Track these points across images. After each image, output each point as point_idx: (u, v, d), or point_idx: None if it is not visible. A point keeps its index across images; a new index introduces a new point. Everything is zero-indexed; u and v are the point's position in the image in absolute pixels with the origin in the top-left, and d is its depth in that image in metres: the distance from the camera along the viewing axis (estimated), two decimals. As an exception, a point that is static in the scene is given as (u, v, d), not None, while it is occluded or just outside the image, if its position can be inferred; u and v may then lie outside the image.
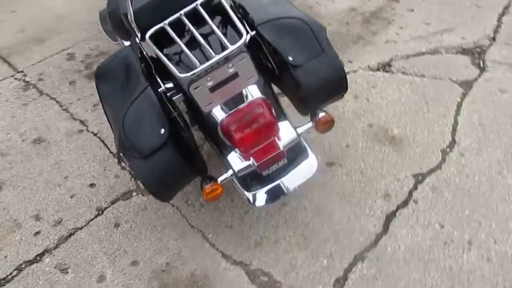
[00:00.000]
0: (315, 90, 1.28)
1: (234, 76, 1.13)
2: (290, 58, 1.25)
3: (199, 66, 1.06)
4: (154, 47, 1.13)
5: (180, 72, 1.06)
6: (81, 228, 1.62)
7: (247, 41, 1.11)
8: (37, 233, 1.61)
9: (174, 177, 1.23)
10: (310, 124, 1.28)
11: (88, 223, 1.63)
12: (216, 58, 1.06)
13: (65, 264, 1.51)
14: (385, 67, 2.24)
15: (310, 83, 1.27)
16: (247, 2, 1.38)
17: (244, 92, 1.22)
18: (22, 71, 2.36)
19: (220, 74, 1.10)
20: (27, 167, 1.84)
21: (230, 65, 1.10)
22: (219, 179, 1.23)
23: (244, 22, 1.29)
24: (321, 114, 1.27)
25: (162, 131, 1.17)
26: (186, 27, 1.15)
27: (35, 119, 2.06)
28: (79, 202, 1.70)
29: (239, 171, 1.22)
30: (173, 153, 1.19)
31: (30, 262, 1.53)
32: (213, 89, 1.12)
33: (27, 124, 2.04)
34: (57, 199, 1.71)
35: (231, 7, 1.26)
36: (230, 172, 1.24)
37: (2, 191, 1.76)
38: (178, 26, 1.17)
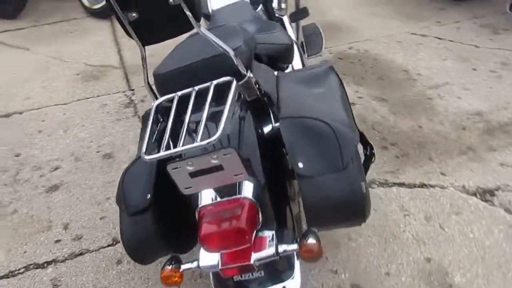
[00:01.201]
0: (318, 209, 1.07)
1: (218, 168, 1.01)
2: (300, 165, 1.07)
3: (160, 152, 0.98)
4: (151, 116, 1.10)
5: (145, 152, 1.00)
6: (91, 251, 1.67)
7: (214, 140, 0.97)
8: (58, 241, 1.72)
9: (147, 243, 1.17)
10: (295, 246, 1.08)
11: (98, 249, 1.68)
12: (179, 149, 0.97)
13: (59, 282, 1.57)
14: (485, 194, 1.80)
15: (314, 200, 1.07)
16: (289, 88, 1.25)
17: (241, 185, 1.10)
18: (133, 89, 2.65)
19: (202, 163, 1.00)
20: (86, 177, 2.02)
21: (215, 156, 0.99)
22: (182, 267, 1.12)
23: (271, 111, 1.18)
24: (310, 240, 1.05)
25: (148, 196, 1.13)
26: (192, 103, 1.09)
27: (117, 136, 2.26)
28: (104, 226, 1.77)
29: (204, 266, 1.09)
30: (152, 220, 1.13)
31: (37, 266, 1.63)
32: (193, 175, 1.03)
33: (109, 138, 2.25)
34: (90, 216, 1.82)
35: (259, 92, 1.15)
36: (195, 263, 1.11)
37: (56, 191, 1.95)
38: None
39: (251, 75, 1.10)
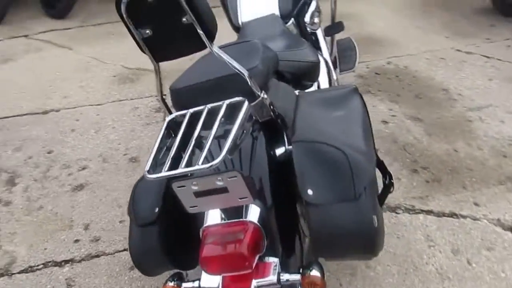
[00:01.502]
0: (325, 240, 1.02)
1: (223, 190, 0.98)
2: (309, 192, 1.02)
3: (161, 172, 0.96)
4: (161, 131, 1.08)
5: (148, 170, 0.98)
6: (107, 254, 1.69)
7: (215, 165, 0.94)
8: (77, 241, 1.76)
9: (152, 255, 1.17)
10: (297, 277, 1.03)
11: (114, 253, 1.70)
12: (180, 170, 0.94)
13: (73, 282, 1.60)
14: (523, 230, 1.67)
15: (322, 230, 1.01)
16: (306, 110, 1.20)
17: (248, 208, 1.07)
18: (165, 95, 2.67)
19: (207, 183, 0.98)
20: (111, 179, 2.06)
21: (219, 178, 0.97)
22: (184, 285, 1.10)
23: (285, 133, 1.14)
24: (313, 272, 0.99)
25: (156, 209, 1.13)
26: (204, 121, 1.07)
27: (145, 140, 2.30)
28: (122, 229, 1.79)
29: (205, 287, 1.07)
30: (158, 233, 1.12)
31: (55, 264, 1.67)
32: (198, 194, 1.00)
33: (137, 142, 2.29)
34: (110, 218, 1.85)
35: (273, 113, 1.12)
36: (196, 283, 1.09)
37: (81, 191, 2.00)
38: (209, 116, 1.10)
39: (265, 96, 1.06)
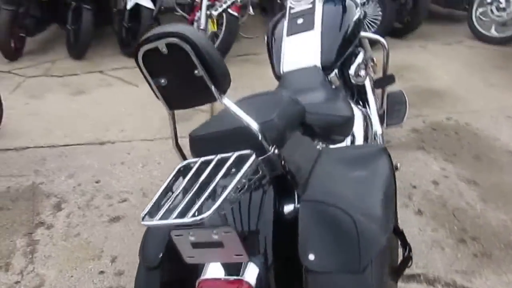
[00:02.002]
0: None
1: (218, 244, 0.95)
2: (310, 257, 0.95)
3: (153, 220, 0.94)
4: (169, 177, 1.09)
5: (143, 216, 0.98)
6: (125, 290, 1.71)
7: (204, 219, 0.89)
8: (102, 272, 1.80)
9: None
10: None
11: (133, 290, 1.70)
12: (169, 221, 0.92)
13: (89, 314, 1.63)
14: None
15: None
16: (325, 168, 1.15)
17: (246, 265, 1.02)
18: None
19: (204, 236, 0.95)
20: (145, 213, 2.10)
21: (215, 231, 0.94)
22: None
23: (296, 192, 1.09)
24: None
25: (160, 254, 1.12)
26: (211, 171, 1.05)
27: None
28: (146, 267, 1.80)
29: None
30: (160, 278, 1.11)
31: (77, 293, 1.73)
32: (195, 245, 0.98)
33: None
34: (136, 253, 1.87)
35: (283, 169, 1.07)
36: None
37: (117, 223, 2.07)
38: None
39: (277, 151, 1.03)
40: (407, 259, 1.12)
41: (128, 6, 4.18)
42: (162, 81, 1.03)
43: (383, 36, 4.05)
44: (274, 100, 1.23)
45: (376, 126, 2.02)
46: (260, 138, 1.01)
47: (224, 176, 0.97)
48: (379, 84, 2.22)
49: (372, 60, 2.37)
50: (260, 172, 1.04)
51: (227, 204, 0.96)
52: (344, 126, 1.46)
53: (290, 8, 1.94)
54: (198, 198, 0.95)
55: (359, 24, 1.93)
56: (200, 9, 4.00)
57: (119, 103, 3.41)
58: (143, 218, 0.94)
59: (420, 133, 2.66)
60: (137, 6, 4.16)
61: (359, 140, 1.61)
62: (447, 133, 2.63)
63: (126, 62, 4.23)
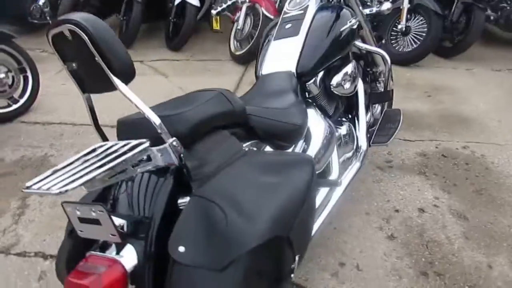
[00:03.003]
0: None
1: (97, 222, 1.00)
2: (180, 249, 0.96)
3: (31, 189, 0.99)
4: (79, 154, 1.14)
5: (31, 185, 1.02)
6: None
7: (61, 193, 0.92)
8: (69, 242, 1.93)
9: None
10: None
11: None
12: (41, 191, 0.96)
13: (45, 276, 1.75)
14: None
15: None
16: (236, 169, 1.14)
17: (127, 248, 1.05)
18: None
19: (85, 212, 1.00)
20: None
21: (93, 209, 0.99)
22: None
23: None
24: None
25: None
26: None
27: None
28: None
29: None
30: (68, 246, 1.19)
31: (43, 256, 1.86)
32: (82, 220, 1.04)
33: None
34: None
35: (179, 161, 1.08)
36: None
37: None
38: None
39: (175, 143, 1.05)
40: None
41: (176, 2, 4.40)
42: (74, 65, 1.10)
43: (427, 53, 3.90)
44: (204, 97, 1.25)
45: (362, 142, 1.96)
46: (159, 129, 1.05)
47: (113, 159, 1.02)
48: (374, 99, 2.14)
49: (384, 75, 2.29)
50: (152, 161, 1.08)
51: (99, 184, 1.00)
52: (289, 133, 1.44)
53: (285, 12, 1.95)
54: (77, 175, 1.01)
55: (350, 35, 1.88)
56: (241, 10, 4.11)
57: (145, 91, 3.56)
58: (27, 187, 1.02)
59: (427, 158, 2.50)
60: (184, 2, 4.35)
61: (312, 151, 1.58)
62: (457, 162, 2.45)
63: (166, 55, 4.44)
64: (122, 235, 1.01)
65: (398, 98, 3.30)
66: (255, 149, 1.33)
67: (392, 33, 4.10)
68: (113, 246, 1.08)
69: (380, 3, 2.28)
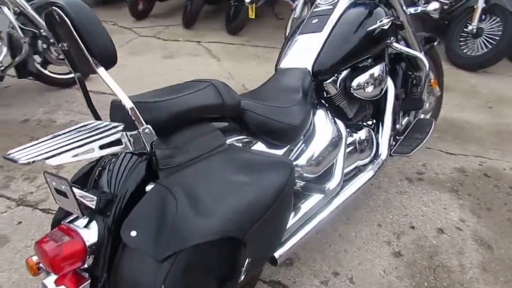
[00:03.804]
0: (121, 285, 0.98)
1: (65, 195, 1.06)
2: (132, 234, 0.98)
3: (6, 155, 1.05)
4: (64, 130, 1.20)
5: (11, 152, 1.08)
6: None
7: (23, 163, 0.96)
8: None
9: None
10: None
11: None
12: (12, 158, 1.01)
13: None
14: None
15: (123, 276, 0.98)
16: (209, 163, 1.13)
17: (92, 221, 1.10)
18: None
19: (57, 184, 1.06)
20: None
21: (61, 182, 1.05)
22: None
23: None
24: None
25: None
26: None
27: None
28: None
29: None
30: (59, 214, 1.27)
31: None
32: (57, 191, 1.10)
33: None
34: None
35: (149, 149, 1.09)
36: None
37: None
38: None
39: (147, 131, 1.07)
40: None
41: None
42: (65, 45, 1.15)
43: (499, 59, 3.53)
44: (194, 87, 1.24)
45: (382, 150, 1.85)
46: (131, 114, 1.07)
47: (84, 139, 1.06)
48: (404, 106, 2.00)
49: (429, 81, 2.14)
50: (124, 145, 1.10)
51: (66, 160, 1.04)
52: (282, 132, 1.40)
53: (315, 6, 1.87)
54: (50, 148, 1.06)
55: (381, 35, 1.76)
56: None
57: (195, 71, 3.67)
58: (7, 154, 1.09)
59: (465, 175, 2.29)
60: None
61: (318, 154, 1.51)
62: (499, 185, 2.22)
63: (223, 38, 4.50)
64: (86, 211, 1.06)
65: (452, 105, 3.05)
66: (240, 145, 1.31)
67: (462, 34, 3.76)
68: (85, 220, 1.14)
69: (427, 2, 2.08)
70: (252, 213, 1.08)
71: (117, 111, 1.25)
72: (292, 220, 1.43)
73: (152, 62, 3.90)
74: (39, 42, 3.05)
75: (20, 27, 2.84)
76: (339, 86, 1.71)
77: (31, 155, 1.00)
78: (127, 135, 1.09)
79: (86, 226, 1.08)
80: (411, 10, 1.97)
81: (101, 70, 1.07)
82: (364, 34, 1.71)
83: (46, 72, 3.21)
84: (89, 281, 1.06)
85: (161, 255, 0.93)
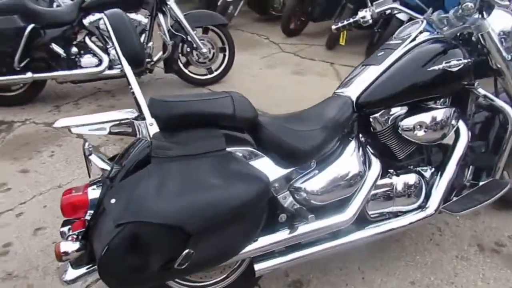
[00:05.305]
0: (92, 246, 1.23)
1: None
2: (112, 201, 1.19)
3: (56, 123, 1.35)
4: (119, 111, 1.50)
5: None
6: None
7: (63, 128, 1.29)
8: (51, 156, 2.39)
9: None
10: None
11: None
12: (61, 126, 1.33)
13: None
14: None
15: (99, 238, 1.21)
16: (194, 164, 1.28)
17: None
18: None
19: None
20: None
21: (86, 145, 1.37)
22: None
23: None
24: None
25: None
26: None
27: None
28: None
29: None
30: None
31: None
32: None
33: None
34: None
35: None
36: None
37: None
38: None
39: (152, 123, 1.28)
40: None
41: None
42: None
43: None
44: (214, 95, 1.39)
45: (432, 201, 1.69)
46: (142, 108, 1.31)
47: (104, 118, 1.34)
48: (475, 160, 1.75)
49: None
50: (132, 131, 1.34)
51: (84, 131, 1.32)
52: (286, 153, 1.45)
53: (390, 39, 1.83)
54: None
55: (453, 76, 1.62)
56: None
57: (314, 89, 3.76)
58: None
59: (482, 248, 1.86)
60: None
61: (326, 184, 1.49)
62: None
63: (358, 62, 4.46)
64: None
65: None
66: (241, 155, 1.41)
67: None
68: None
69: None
70: (209, 213, 1.19)
71: (153, 105, 1.49)
72: (282, 235, 1.46)
73: (281, 76, 4.19)
74: (185, 46, 3.63)
75: (171, 32, 3.46)
76: (387, 122, 1.64)
77: (66, 123, 1.33)
78: (137, 124, 1.33)
79: (97, 187, 1.36)
80: (513, 55, 1.72)
81: (128, 69, 1.34)
82: (426, 72, 1.60)
83: (186, 71, 3.79)
84: (85, 229, 1.32)
85: (117, 221, 1.13)
